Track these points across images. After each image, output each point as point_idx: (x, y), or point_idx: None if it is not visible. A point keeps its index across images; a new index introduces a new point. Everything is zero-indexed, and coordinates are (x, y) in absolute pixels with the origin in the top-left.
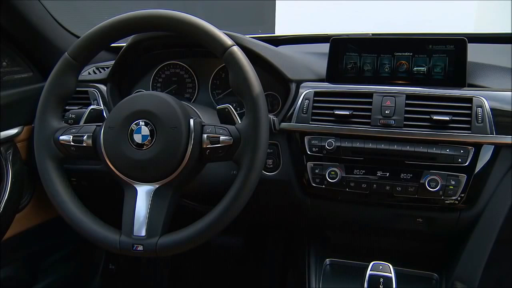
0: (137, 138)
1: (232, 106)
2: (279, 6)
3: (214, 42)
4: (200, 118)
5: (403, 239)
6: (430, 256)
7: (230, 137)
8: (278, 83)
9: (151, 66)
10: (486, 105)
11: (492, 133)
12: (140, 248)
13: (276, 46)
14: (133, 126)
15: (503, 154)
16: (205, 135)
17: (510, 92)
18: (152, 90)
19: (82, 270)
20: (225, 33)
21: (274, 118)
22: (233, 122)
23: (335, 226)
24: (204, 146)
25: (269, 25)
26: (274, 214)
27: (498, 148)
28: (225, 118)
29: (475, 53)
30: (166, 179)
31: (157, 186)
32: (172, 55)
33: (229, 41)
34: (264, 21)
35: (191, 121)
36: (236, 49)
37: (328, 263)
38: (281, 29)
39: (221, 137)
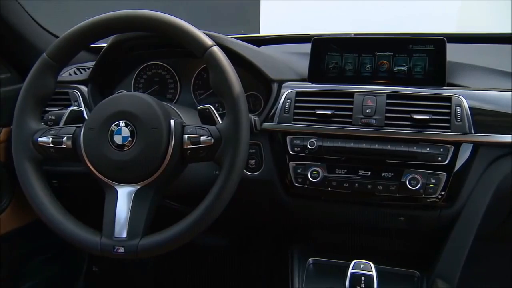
0: (118, 139)
1: (214, 107)
2: (264, 6)
3: (194, 42)
4: (181, 119)
5: (385, 237)
6: (412, 254)
7: (210, 138)
8: (260, 83)
9: (133, 66)
10: (465, 104)
11: (470, 132)
12: (121, 250)
13: (259, 46)
14: (113, 127)
15: (482, 153)
16: (186, 136)
17: (488, 91)
18: (134, 90)
19: (65, 273)
20: (205, 33)
21: (255, 118)
22: (214, 123)
23: (318, 225)
24: (185, 147)
25: (254, 25)
26: (257, 214)
27: (477, 146)
28: (206, 118)
29: (456, 52)
30: (147, 180)
31: (138, 187)
32: (154, 55)
33: (209, 41)
34: (248, 21)
35: (172, 121)
36: (216, 49)
37: (311, 262)
38: (267, 29)
39: (201, 137)
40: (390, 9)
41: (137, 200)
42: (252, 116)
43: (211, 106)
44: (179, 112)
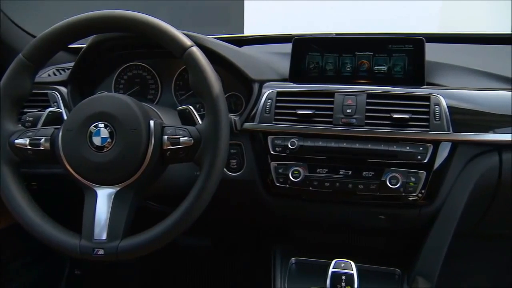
0: (97, 140)
1: (196, 107)
2: (248, 6)
3: (173, 43)
4: (161, 120)
5: (367, 236)
6: (393, 252)
7: (190, 138)
8: (241, 84)
9: (113, 67)
10: (443, 103)
11: (449, 131)
12: (101, 252)
13: (240, 46)
14: (92, 128)
15: (460, 151)
16: (165, 137)
17: (466, 91)
18: (114, 91)
19: (47, 276)
20: (184, 34)
21: (235, 119)
22: (194, 123)
23: (300, 225)
24: (165, 148)
25: (237, 25)
26: (239, 215)
27: (455, 145)
28: (186, 119)
29: (438, 52)
30: (127, 181)
31: (118, 188)
32: (134, 56)
33: (188, 42)
34: (232, 21)
35: (151, 122)
36: (195, 49)
37: (293, 262)
38: (251, 29)
39: (181, 138)
40: (374, 9)
41: (117, 201)
42: (232, 116)
43: (191, 107)
44: (159, 113)
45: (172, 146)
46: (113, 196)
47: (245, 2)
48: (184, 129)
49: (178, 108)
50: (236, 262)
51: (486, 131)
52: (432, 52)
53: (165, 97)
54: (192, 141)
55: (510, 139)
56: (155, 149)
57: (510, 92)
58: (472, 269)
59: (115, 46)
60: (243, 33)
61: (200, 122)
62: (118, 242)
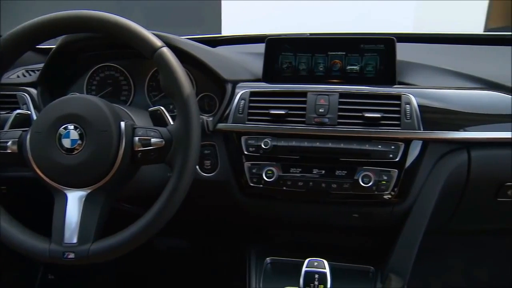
0: (66, 142)
1: (169, 108)
2: (225, 6)
3: (142, 44)
4: (133, 121)
5: (341, 234)
6: (367, 250)
7: (161, 139)
8: (215, 84)
9: (85, 68)
10: (414, 102)
11: (420, 129)
12: (72, 255)
13: (214, 46)
14: (61, 130)
15: (431, 149)
16: (136, 138)
17: (436, 89)
18: (86, 93)
19: (19, 281)
20: (155, 34)
21: (208, 119)
22: (165, 124)
23: (275, 225)
24: (136, 149)
25: (215, 25)
26: (215, 215)
27: (426, 143)
28: (157, 120)
29: (410, 52)
30: (97, 184)
31: (89, 191)
32: (107, 57)
33: (158, 42)
34: (209, 22)
35: (122, 124)
36: (165, 50)
37: (269, 262)
38: (229, 29)
39: (152, 139)
40: (351, 10)
41: (87, 204)
42: (205, 117)
43: (162, 108)
44: (131, 114)
45: (143, 147)
46: (83, 199)
47: (222, 2)
48: (155, 130)
49: (150, 109)
50: (213, 263)
51: (456, 129)
52: (404, 52)
53: (138, 98)
54: (163, 142)
55: (478, 136)
56: (126, 150)
57: (479, 91)
58: (445, 265)
59: (86, 47)
60: (220, 33)
61: (172, 123)
62: (89, 245)
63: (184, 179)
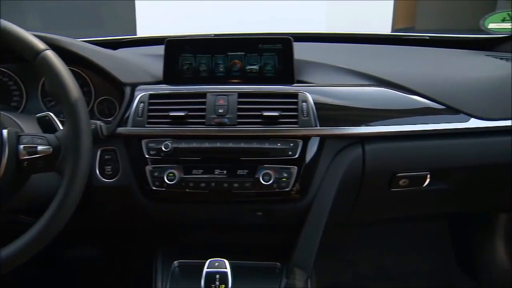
0: None
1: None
2: (140, 7)
3: (24, 47)
4: (20, 129)
5: (248, 233)
6: (274, 247)
7: (48, 147)
8: (113, 87)
9: None
10: (310, 99)
11: (316, 126)
12: None
13: (115, 49)
14: None
15: (328, 145)
16: (21, 146)
17: (331, 87)
18: None
19: None
20: (38, 36)
21: (101, 124)
22: (55, 131)
23: (182, 227)
24: (21, 158)
25: (129, 26)
26: (120, 221)
27: (323, 139)
28: (46, 126)
29: (309, 51)
30: None
31: None
32: None
33: (41, 45)
34: (104, 22)
35: (4, 132)
36: (49, 53)
37: (176, 265)
38: (143, 30)
39: (39, 147)
40: (267, 10)
41: None
42: (98, 122)
43: (51, 113)
44: (18, 122)
45: (29, 155)
46: None
47: (136, 2)
48: (42, 137)
49: (37, 115)
50: (123, 270)
51: (350, 125)
52: (304, 51)
53: (32, 105)
54: (51, 149)
55: (370, 131)
56: (10, 159)
57: (370, 88)
58: (348, 256)
59: None
60: (135, 35)
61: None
62: None
63: (74, 186)
